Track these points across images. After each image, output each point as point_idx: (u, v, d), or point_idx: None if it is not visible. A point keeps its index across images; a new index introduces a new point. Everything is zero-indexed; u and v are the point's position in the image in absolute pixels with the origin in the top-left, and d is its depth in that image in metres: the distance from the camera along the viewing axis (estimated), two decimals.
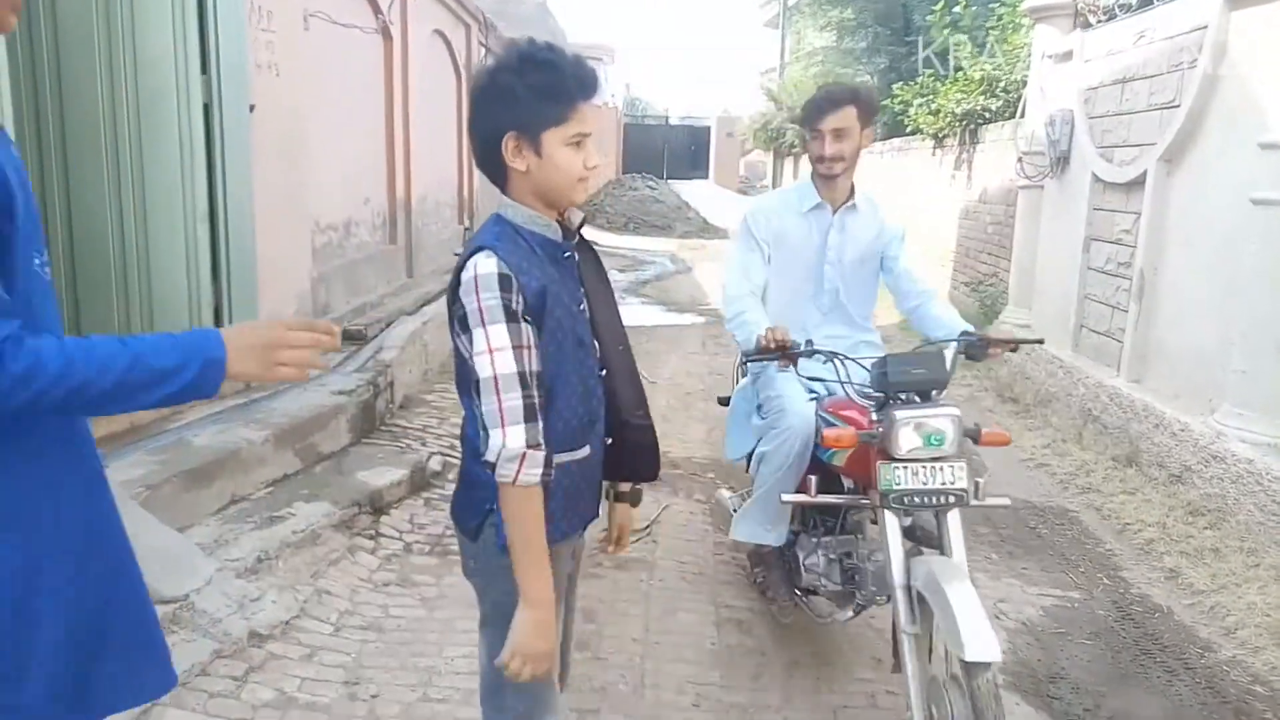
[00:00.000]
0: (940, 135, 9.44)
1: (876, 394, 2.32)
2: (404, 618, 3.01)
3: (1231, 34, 4.32)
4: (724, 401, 3.29)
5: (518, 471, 1.47)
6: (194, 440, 3.48)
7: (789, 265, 2.90)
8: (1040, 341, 2.96)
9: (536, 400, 1.50)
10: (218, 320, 3.94)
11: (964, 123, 8.73)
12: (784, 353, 2.37)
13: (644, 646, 2.92)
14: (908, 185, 11.18)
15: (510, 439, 1.46)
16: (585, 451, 1.65)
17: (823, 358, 2.40)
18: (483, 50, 9.90)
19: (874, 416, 2.32)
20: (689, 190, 24.08)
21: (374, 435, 4.45)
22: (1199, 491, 4.07)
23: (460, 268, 1.53)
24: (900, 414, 2.19)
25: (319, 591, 3.04)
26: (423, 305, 6.55)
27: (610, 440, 1.74)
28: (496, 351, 1.47)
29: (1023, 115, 6.95)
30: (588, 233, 1.75)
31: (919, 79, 10.02)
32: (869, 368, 2.37)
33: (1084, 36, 5.96)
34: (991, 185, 8.14)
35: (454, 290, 1.54)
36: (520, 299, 1.50)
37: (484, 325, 1.48)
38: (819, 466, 2.68)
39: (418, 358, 5.55)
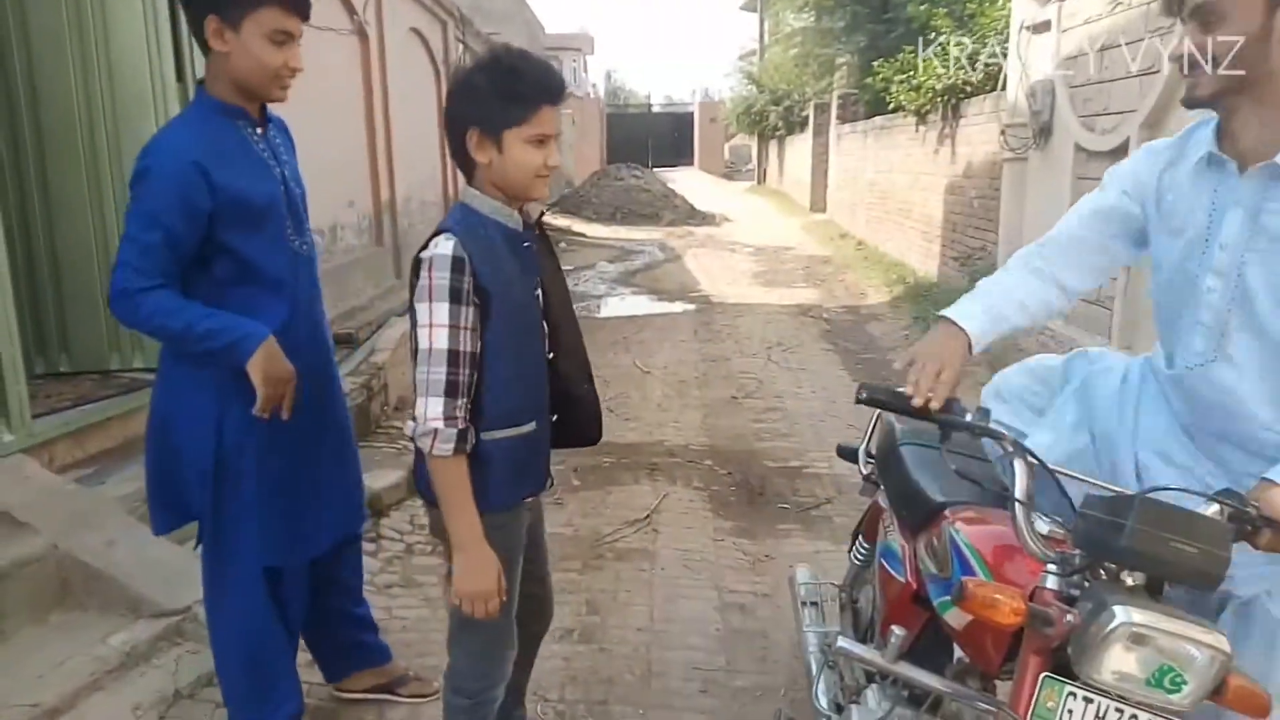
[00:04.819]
0: (923, 111, 9.42)
1: (1079, 557, 1.30)
2: (408, 618, 3.02)
3: None
4: (846, 454, 2.32)
5: (431, 444, 1.61)
6: None
7: (1167, 263, 1.59)
8: None
9: (462, 378, 1.62)
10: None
11: (946, 98, 8.73)
12: (925, 414, 1.45)
13: (649, 635, 2.92)
14: (892, 163, 11.18)
15: (429, 409, 1.60)
16: (530, 427, 1.77)
17: (991, 442, 1.46)
18: (460, 46, 9.84)
19: (1068, 590, 1.30)
20: (674, 178, 24.05)
21: (370, 438, 4.44)
22: None
23: (423, 246, 1.65)
24: (1121, 612, 1.19)
25: None
26: None
27: (558, 413, 1.87)
28: (436, 327, 1.60)
29: (1004, 88, 6.93)
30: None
31: (900, 56, 10.00)
32: (1080, 502, 1.31)
33: (1061, 5, 5.95)
34: (976, 159, 8.14)
35: (415, 266, 1.66)
36: (470, 282, 1.61)
37: (430, 301, 1.60)
38: (915, 600, 1.72)
39: (410, 358, 5.51)
